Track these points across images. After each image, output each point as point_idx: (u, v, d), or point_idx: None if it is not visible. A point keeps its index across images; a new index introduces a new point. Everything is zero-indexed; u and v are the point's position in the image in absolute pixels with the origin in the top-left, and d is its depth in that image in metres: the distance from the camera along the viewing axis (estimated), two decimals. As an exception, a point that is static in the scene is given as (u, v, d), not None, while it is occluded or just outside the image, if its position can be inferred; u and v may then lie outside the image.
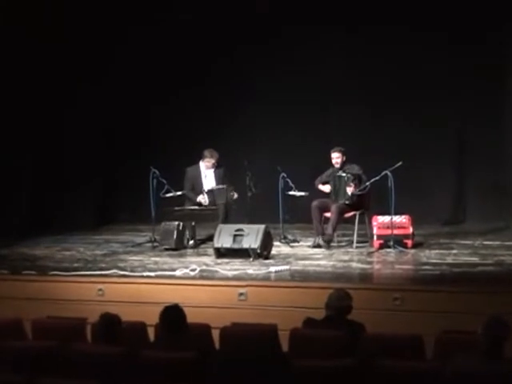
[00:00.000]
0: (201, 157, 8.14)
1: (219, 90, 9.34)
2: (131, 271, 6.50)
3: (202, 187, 8.06)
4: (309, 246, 7.64)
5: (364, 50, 8.86)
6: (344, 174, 7.61)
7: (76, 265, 6.96)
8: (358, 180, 7.58)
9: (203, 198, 7.96)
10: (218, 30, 9.07)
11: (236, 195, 8.01)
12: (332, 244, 7.61)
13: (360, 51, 8.87)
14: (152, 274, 6.36)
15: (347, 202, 7.60)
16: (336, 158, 7.77)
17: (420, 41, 8.61)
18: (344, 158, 7.73)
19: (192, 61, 9.28)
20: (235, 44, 9.05)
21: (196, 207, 7.79)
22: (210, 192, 7.96)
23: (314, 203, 7.68)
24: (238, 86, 9.26)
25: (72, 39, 9.12)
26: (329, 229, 7.56)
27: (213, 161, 8.07)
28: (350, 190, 7.54)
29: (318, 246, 7.56)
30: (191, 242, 7.78)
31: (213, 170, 8.13)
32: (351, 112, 8.99)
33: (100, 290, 6.16)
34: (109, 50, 9.42)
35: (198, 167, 8.16)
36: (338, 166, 7.75)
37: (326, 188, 7.80)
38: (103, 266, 6.84)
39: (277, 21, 8.90)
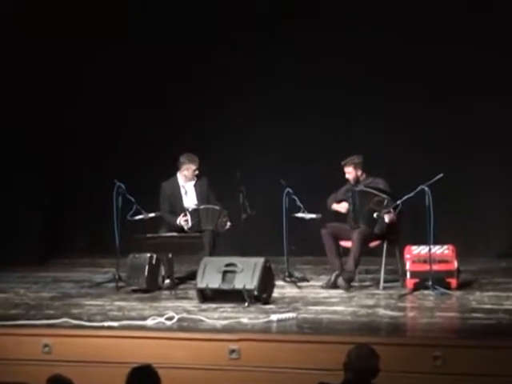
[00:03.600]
0: (177, 168, 8.17)
1: (205, 88, 9.54)
2: (88, 320, 6.46)
3: (182, 206, 8.07)
4: (322, 287, 7.64)
5: (392, 43, 9.07)
6: (383, 195, 7.52)
7: (14, 312, 6.93)
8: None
9: (185, 219, 7.96)
10: (210, 26, 9.39)
11: (229, 224, 8.01)
12: (353, 284, 7.61)
13: (386, 44, 9.08)
14: (115, 324, 6.34)
15: (378, 231, 7.56)
16: (348, 173, 7.79)
17: (470, 39, 8.89)
18: (359, 172, 7.77)
19: (176, 56, 9.57)
20: (230, 39, 9.39)
21: (174, 234, 7.81)
22: (195, 212, 7.97)
23: (325, 230, 7.69)
24: (228, 82, 9.49)
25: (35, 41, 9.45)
26: (349, 263, 7.55)
27: (193, 167, 8.08)
28: (388, 218, 7.50)
29: (334, 285, 7.56)
30: (167, 281, 7.76)
31: (193, 182, 8.16)
32: (375, 112, 9.15)
33: (46, 345, 6.12)
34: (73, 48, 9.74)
35: (176, 181, 8.19)
36: (352, 181, 7.78)
37: (342, 207, 7.80)
38: (51, 313, 6.81)
39: (277, 19, 9.30)
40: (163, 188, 8.17)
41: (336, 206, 7.86)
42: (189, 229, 7.94)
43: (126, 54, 9.68)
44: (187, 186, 8.17)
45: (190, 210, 7.98)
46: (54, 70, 9.70)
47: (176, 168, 8.20)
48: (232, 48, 9.46)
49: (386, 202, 7.50)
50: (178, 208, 8.09)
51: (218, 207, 7.99)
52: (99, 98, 9.79)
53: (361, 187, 7.70)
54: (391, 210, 7.48)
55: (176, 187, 8.16)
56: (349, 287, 7.50)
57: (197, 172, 8.10)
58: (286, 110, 9.51)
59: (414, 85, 9.11)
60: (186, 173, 8.10)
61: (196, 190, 8.16)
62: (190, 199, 8.15)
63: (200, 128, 9.57)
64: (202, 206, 7.99)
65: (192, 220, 7.93)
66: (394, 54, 9.12)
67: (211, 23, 9.49)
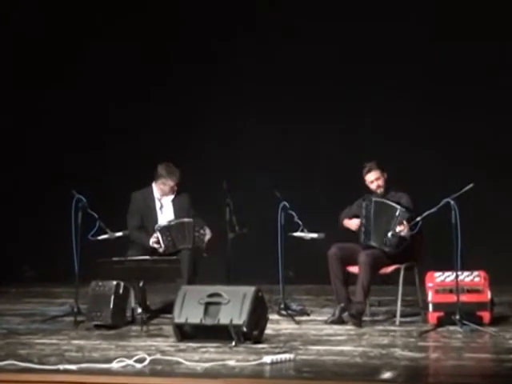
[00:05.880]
0: (153, 176, 8.18)
1: (185, 86, 9.87)
2: (39, 363, 6.38)
3: (155, 223, 8.06)
4: (325, 322, 7.64)
5: (406, 47, 9.49)
6: (395, 205, 7.55)
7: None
8: (412, 219, 7.52)
9: (157, 241, 7.94)
10: (194, 29, 9.95)
11: (208, 233, 8.00)
12: (363, 318, 7.57)
13: (397, 48, 9.51)
14: (74, 367, 6.25)
15: (387, 250, 7.57)
16: (375, 178, 7.72)
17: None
18: (386, 176, 7.76)
19: (156, 58, 10.10)
20: (216, 41, 9.96)
21: (146, 257, 7.77)
22: (167, 230, 7.96)
23: (333, 251, 7.68)
24: (213, 75, 9.90)
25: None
26: (357, 293, 7.54)
27: (171, 183, 8.11)
28: (401, 230, 7.50)
29: (340, 320, 7.56)
30: (138, 315, 7.73)
31: (171, 197, 8.15)
32: (384, 113, 9.39)
33: (-12, 393, 6.09)
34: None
35: (150, 192, 8.20)
36: (380, 190, 7.75)
37: (353, 224, 7.79)
38: (-6, 353, 6.83)
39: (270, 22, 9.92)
40: (134, 199, 8.17)
41: (346, 222, 7.86)
42: (163, 252, 7.94)
43: (101, 56, 10.10)
44: (164, 200, 8.18)
45: (159, 228, 7.97)
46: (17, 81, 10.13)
47: (150, 178, 8.21)
48: (219, 49, 9.83)
49: (398, 212, 7.51)
50: (150, 225, 8.10)
51: (190, 219, 7.99)
52: (60, 98, 9.99)
53: (378, 198, 7.70)
54: (404, 221, 7.47)
55: (150, 199, 8.17)
56: (359, 322, 7.46)
57: (175, 188, 8.11)
58: (281, 109, 9.71)
59: (433, 89, 9.48)
60: (161, 187, 8.12)
61: (175, 206, 8.16)
62: (166, 216, 8.16)
63: (178, 129, 9.66)
64: (173, 222, 7.99)
65: (164, 241, 7.94)
66: (405, 57, 9.49)
67: (194, 26, 9.96)
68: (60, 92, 10.16)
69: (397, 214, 7.52)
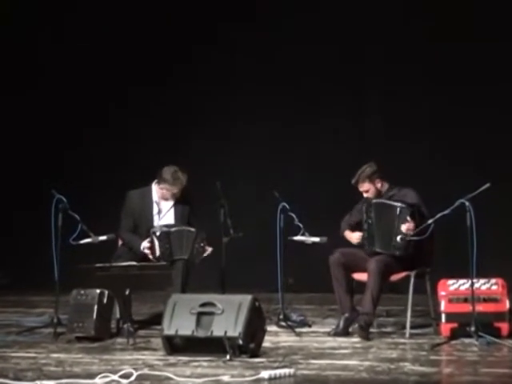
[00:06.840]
0: (146, 176, 8.14)
1: (189, 84, 10.16)
2: (15, 379, 6.33)
3: (149, 227, 8.00)
4: (328, 334, 7.61)
5: (408, 45, 9.77)
6: (394, 204, 7.54)
7: None
8: (418, 214, 7.47)
9: (150, 247, 7.90)
10: (201, 16, 10.32)
11: (209, 250, 7.98)
12: (371, 330, 7.54)
13: (397, 45, 9.80)
14: (53, 383, 6.20)
15: (398, 253, 7.52)
16: (365, 191, 7.74)
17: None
18: (379, 184, 7.75)
19: (150, 56, 10.45)
20: (209, 40, 10.35)
21: (134, 263, 7.69)
22: (166, 236, 7.91)
23: (335, 256, 7.66)
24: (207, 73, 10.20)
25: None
26: (366, 303, 7.49)
27: (175, 190, 8.02)
28: (406, 228, 7.45)
29: (345, 332, 7.53)
30: (124, 326, 7.64)
31: (172, 202, 8.11)
32: (391, 113, 9.60)
33: (-41, 412, 6.05)
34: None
35: (149, 193, 8.15)
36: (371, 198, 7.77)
37: (354, 237, 7.77)
38: (-35, 368, 6.77)
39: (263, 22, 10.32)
40: (129, 198, 8.12)
41: (348, 235, 7.84)
42: (156, 259, 7.89)
43: (101, 55, 10.41)
44: (164, 205, 8.14)
45: (158, 233, 7.92)
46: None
47: (142, 178, 8.17)
48: (219, 49, 10.19)
49: (398, 209, 7.49)
50: (144, 229, 8.05)
51: (192, 229, 7.96)
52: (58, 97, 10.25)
53: (378, 199, 7.67)
54: (408, 219, 7.43)
55: (147, 201, 8.12)
56: (367, 334, 7.42)
57: (178, 194, 8.07)
58: (281, 109, 9.86)
59: (433, 89, 9.75)
60: (164, 192, 8.06)
61: (176, 213, 8.11)
62: (164, 221, 8.11)
63: (176, 129, 9.95)
64: (173, 229, 7.95)
65: (161, 247, 7.89)
66: (405, 57, 9.76)
67: (195, 26, 10.30)
68: (58, 91, 10.33)
69: (397, 212, 7.49)
